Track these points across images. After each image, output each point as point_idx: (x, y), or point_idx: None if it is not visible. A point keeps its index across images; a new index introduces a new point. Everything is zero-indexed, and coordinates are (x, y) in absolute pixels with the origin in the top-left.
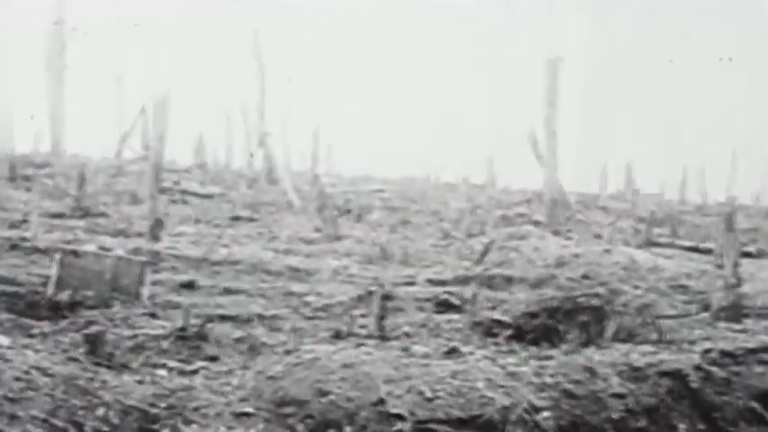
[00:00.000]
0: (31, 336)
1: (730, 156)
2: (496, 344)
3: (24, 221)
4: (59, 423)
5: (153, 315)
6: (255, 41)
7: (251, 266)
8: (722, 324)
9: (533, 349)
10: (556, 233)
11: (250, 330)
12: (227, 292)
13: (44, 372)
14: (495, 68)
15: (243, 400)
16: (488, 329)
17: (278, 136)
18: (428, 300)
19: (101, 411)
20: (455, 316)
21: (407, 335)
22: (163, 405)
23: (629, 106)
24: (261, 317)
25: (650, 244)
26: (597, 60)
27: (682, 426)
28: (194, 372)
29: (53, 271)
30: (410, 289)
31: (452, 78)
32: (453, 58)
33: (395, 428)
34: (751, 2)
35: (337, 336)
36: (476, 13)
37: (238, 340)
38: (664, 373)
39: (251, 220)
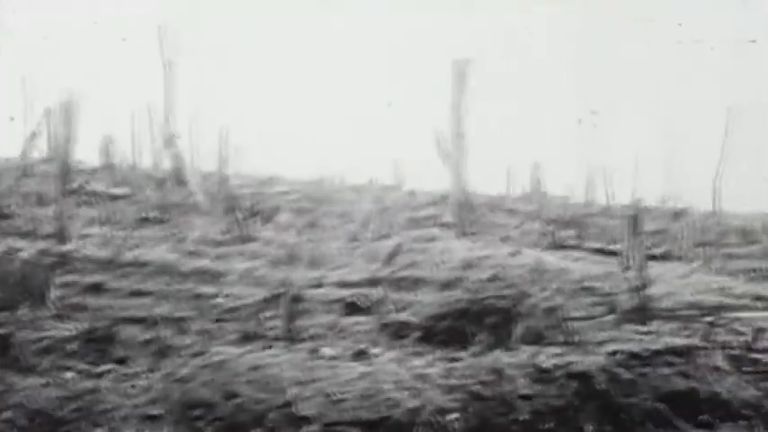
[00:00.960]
0: None
1: (635, 158)
2: (404, 346)
3: None
4: None
5: (60, 317)
6: (161, 40)
7: (159, 268)
8: (628, 326)
9: (441, 351)
10: (463, 235)
11: (158, 333)
12: (135, 294)
13: None
14: (404, 68)
15: (151, 402)
16: (396, 331)
17: (186, 136)
18: (336, 302)
19: (7, 414)
20: (363, 318)
21: (315, 337)
22: (70, 408)
23: (537, 107)
24: (169, 319)
25: (557, 246)
26: (507, 60)
27: (589, 427)
28: (102, 374)
29: None
30: (318, 291)
31: (362, 78)
32: (363, 58)
33: (303, 431)
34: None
35: (245, 338)
36: (385, 13)
37: (146, 343)
38: (571, 375)
39: (159, 221)
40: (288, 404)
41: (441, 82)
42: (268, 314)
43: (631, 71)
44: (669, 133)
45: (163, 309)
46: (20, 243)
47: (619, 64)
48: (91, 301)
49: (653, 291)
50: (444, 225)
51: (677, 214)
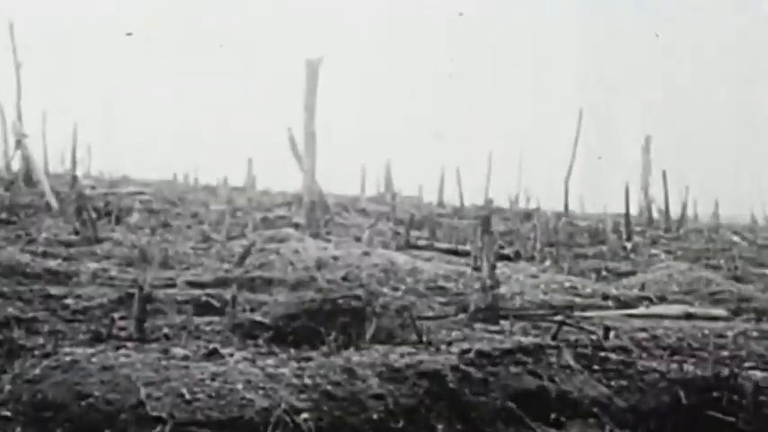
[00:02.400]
0: None
1: (486, 158)
2: (256, 346)
3: None
4: None
5: None
6: (12, 37)
7: (8, 269)
8: (479, 325)
9: (293, 351)
10: (315, 236)
11: (7, 333)
12: None
13: None
14: (257, 68)
15: (0, 404)
16: (248, 331)
17: (36, 137)
18: (188, 302)
19: None
20: (215, 318)
21: (167, 337)
22: None
23: (390, 109)
24: (18, 320)
25: (409, 246)
26: (362, 62)
27: (440, 426)
28: None
29: None
30: (170, 291)
31: (213, 78)
32: (216, 57)
33: (154, 431)
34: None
35: (96, 338)
36: (239, 13)
37: None
38: (422, 374)
39: (8, 222)
40: (140, 404)
41: (294, 81)
42: (120, 314)
43: (483, 74)
44: (521, 135)
45: (12, 309)
46: None
47: (471, 66)
48: None
49: (504, 290)
50: (297, 225)
51: (528, 215)
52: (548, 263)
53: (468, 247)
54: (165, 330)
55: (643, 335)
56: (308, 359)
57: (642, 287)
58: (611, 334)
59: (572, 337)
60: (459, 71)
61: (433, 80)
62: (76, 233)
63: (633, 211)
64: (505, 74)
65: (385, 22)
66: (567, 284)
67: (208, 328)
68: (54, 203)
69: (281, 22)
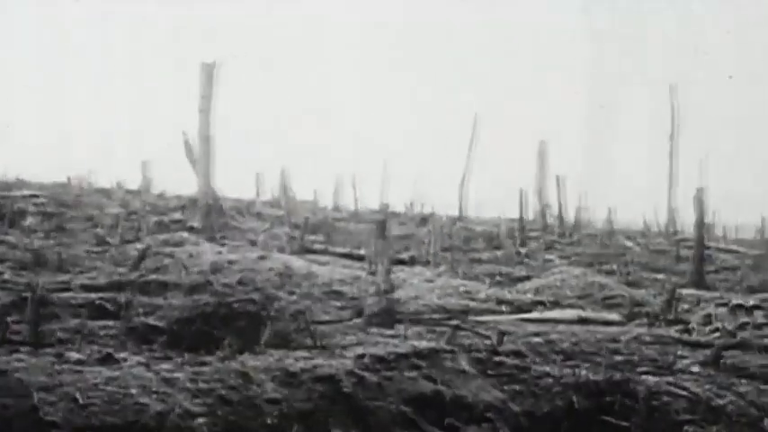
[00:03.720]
0: None
1: (382, 163)
2: (151, 350)
3: None
4: None
5: None
6: None
7: None
8: (375, 329)
9: (189, 355)
10: (211, 239)
11: None
12: None
13: None
14: (155, 70)
15: None
16: (143, 335)
17: None
18: (83, 306)
19: None
20: (110, 322)
21: (61, 341)
22: None
23: (288, 112)
24: None
25: (305, 250)
26: (259, 65)
27: (336, 430)
28: None
29: None
30: (65, 295)
31: (109, 80)
32: (112, 58)
33: None
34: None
35: None
36: (141, 14)
37: None
38: (318, 379)
39: None
40: (34, 409)
41: (190, 84)
42: (13, 318)
43: (381, 79)
44: (417, 140)
45: None
46: None
47: (370, 71)
48: None
49: (399, 294)
50: (193, 229)
51: (423, 219)
52: (443, 267)
53: (363, 252)
54: (60, 334)
55: (537, 339)
56: (204, 363)
57: (536, 292)
58: (506, 338)
59: (467, 342)
60: (360, 76)
61: (335, 84)
62: None
63: (529, 216)
64: (404, 78)
65: (286, 24)
66: (463, 289)
67: (102, 333)
68: None
69: (180, 22)
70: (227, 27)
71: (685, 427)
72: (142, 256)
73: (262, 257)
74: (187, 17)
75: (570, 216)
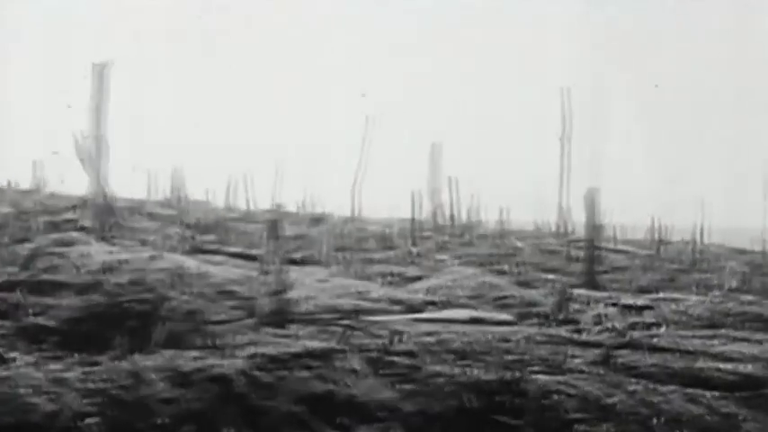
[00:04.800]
0: None
1: (275, 163)
2: (42, 350)
3: None
4: None
5: None
6: None
7: None
8: (268, 329)
9: (80, 355)
10: (102, 239)
11: None
12: None
13: None
14: (48, 69)
15: None
16: (34, 335)
17: None
18: None
19: None
20: (1, 322)
21: None
22: None
23: (180, 113)
24: None
25: (198, 250)
26: (152, 66)
27: (228, 430)
28: None
29: None
30: None
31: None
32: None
33: None
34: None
35: None
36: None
37: None
38: (211, 379)
39: None
40: None
41: (83, 84)
42: None
43: (273, 82)
44: (310, 140)
45: None
46: None
47: (262, 68)
48: None
49: (292, 295)
50: (84, 229)
51: (317, 219)
52: (336, 267)
53: (256, 252)
54: None
55: (430, 339)
56: (95, 363)
57: (429, 292)
58: (398, 338)
59: (359, 342)
60: (252, 75)
61: (227, 83)
62: None
63: (422, 216)
64: (296, 77)
65: (178, 26)
66: (355, 289)
67: None
68: None
69: (72, 22)
70: (115, 27)
71: (576, 426)
72: (33, 255)
73: (154, 257)
74: (76, 17)
75: (463, 217)
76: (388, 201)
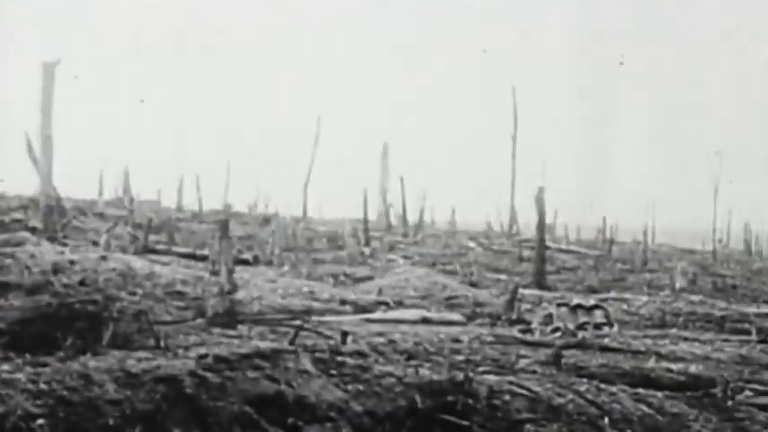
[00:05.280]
0: None
1: (226, 164)
2: None
3: None
4: None
5: None
6: None
7: None
8: (217, 330)
9: (29, 356)
10: (52, 240)
11: None
12: None
13: None
14: None
15: None
16: None
17: None
18: None
19: None
20: None
21: None
22: None
23: (130, 112)
24: None
25: (147, 251)
26: (102, 65)
27: (177, 431)
28: None
29: None
30: None
31: None
32: None
33: None
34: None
35: None
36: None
37: None
38: (159, 379)
39: None
40: None
41: (30, 84)
42: None
43: (222, 81)
44: (261, 141)
45: None
46: None
47: (216, 69)
48: None
49: (242, 295)
50: (34, 229)
51: (267, 219)
52: (286, 267)
53: (206, 252)
54: None
55: (380, 339)
56: (44, 364)
57: (379, 292)
58: (349, 338)
59: (310, 342)
60: (204, 75)
61: (178, 85)
62: None
63: (372, 216)
64: (249, 78)
65: (127, 24)
66: (306, 289)
67: None
68: None
69: (21, 21)
70: (64, 25)
71: (526, 426)
72: None
73: (103, 258)
74: (26, 17)
75: (413, 217)
76: (338, 201)
